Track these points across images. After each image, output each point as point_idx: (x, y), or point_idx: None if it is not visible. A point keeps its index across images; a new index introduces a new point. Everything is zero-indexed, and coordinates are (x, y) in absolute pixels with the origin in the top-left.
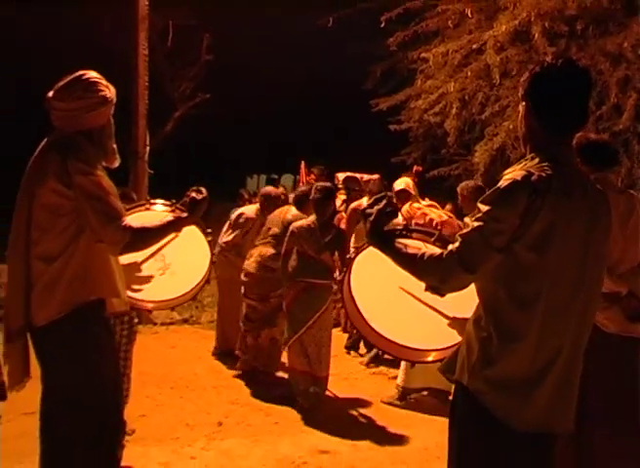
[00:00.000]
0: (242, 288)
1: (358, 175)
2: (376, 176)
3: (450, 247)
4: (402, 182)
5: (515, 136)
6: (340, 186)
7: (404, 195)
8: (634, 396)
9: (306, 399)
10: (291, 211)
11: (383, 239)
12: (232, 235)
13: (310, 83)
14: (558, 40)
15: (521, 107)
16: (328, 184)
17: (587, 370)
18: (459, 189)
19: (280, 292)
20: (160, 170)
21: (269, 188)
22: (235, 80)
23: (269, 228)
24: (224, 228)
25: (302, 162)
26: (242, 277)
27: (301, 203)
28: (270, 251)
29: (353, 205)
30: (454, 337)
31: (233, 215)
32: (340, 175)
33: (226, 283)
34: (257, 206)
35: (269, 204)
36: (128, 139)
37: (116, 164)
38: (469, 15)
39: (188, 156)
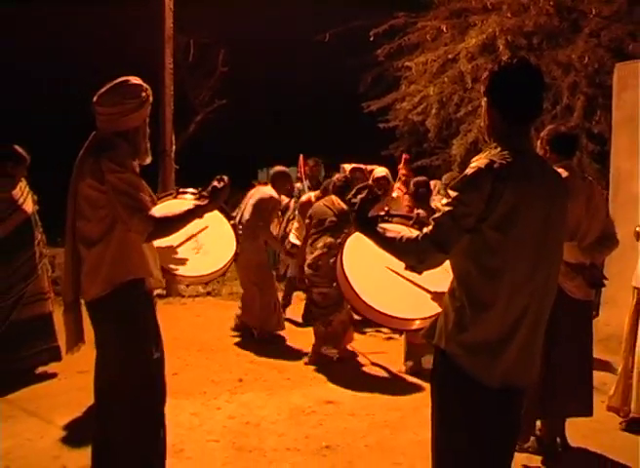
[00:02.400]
0: (306, 281)
1: (363, 166)
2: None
3: (424, 230)
4: (382, 171)
5: None
6: (348, 176)
7: (384, 182)
8: (589, 342)
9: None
10: (339, 200)
11: (367, 224)
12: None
13: (312, 89)
14: (519, 51)
15: (484, 102)
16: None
17: (556, 327)
18: (443, 179)
19: None
20: (184, 165)
21: (279, 167)
22: (247, 88)
23: (324, 219)
24: (239, 212)
25: (301, 155)
26: (307, 270)
27: (342, 193)
28: (331, 239)
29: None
30: (435, 308)
31: (247, 197)
32: (347, 166)
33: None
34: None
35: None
36: (157, 140)
37: (148, 161)
38: (445, 30)
39: (208, 153)
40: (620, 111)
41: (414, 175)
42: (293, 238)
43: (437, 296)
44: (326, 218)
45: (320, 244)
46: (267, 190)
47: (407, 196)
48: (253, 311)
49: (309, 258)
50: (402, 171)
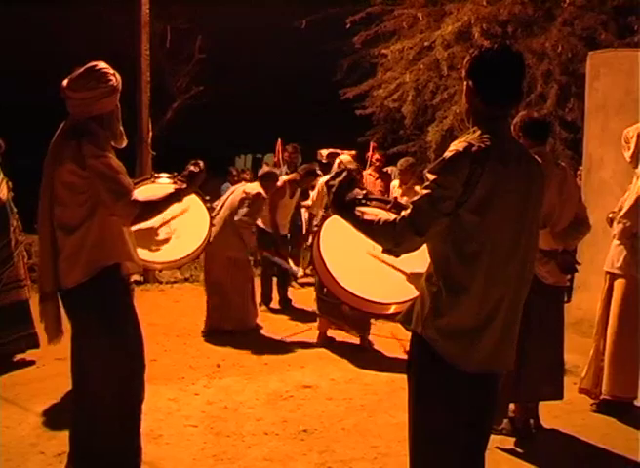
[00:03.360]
0: None
1: (340, 151)
2: (353, 152)
3: (402, 212)
4: (347, 157)
5: (461, 119)
6: (325, 161)
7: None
8: (560, 327)
9: None
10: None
11: (344, 208)
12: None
13: (289, 75)
14: (494, 39)
15: (464, 86)
16: None
17: (529, 312)
18: (398, 165)
19: None
20: (161, 152)
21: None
22: (224, 74)
23: None
24: (219, 203)
25: (279, 140)
26: None
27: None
28: None
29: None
30: (411, 292)
31: (229, 192)
32: (324, 152)
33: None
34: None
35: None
36: (134, 127)
37: (124, 144)
38: (421, 18)
39: (185, 140)
40: (593, 99)
41: (387, 160)
42: (260, 223)
43: (413, 277)
44: None
45: None
46: (255, 187)
47: (379, 181)
48: (229, 313)
49: None
50: (375, 156)
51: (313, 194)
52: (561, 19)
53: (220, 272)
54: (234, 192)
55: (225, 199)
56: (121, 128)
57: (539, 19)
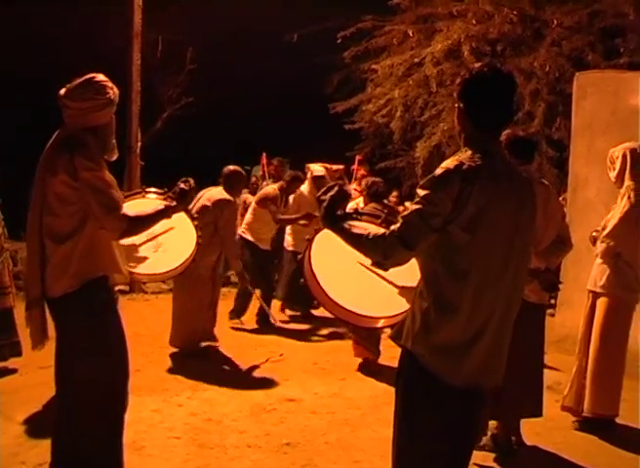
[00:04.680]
0: None
1: (328, 166)
2: (341, 167)
3: (392, 227)
4: (320, 170)
5: (450, 135)
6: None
7: (320, 180)
8: (541, 345)
9: None
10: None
11: (335, 222)
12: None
13: (279, 88)
14: (483, 58)
15: (456, 109)
16: None
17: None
18: (363, 184)
19: None
20: (150, 162)
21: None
22: (214, 86)
23: None
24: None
25: (264, 154)
26: None
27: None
28: None
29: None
30: (400, 306)
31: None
32: (313, 166)
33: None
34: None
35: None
36: (123, 136)
37: (114, 157)
38: (411, 34)
39: (174, 151)
40: (579, 119)
41: (373, 174)
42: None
43: (404, 291)
44: None
45: None
46: (220, 192)
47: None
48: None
49: None
50: (360, 171)
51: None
52: (549, 40)
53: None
54: (200, 199)
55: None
56: (114, 141)
57: (527, 38)
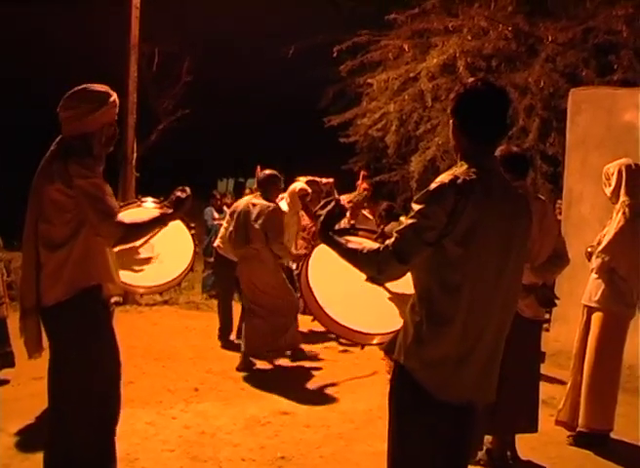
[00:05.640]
0: None
1: (318, 179)
2: (331, 180)
3: (387, 241)
4: (301, 185)
5: (444, 150)
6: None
7: (307, 196)
8: (536, 360)
9: None
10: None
11: (331, 237)
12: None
13: (275, 101)
14: (478, 73)
15: (450, 123)
16: None
17: (505, 344)
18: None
19: None
20: (145, 173)
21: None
22: (210, 98)
23: None
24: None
25: (258, 167)
26: None
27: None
28: None
29: None
30: (396, 324)
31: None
32: (303, 179)
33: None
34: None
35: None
36: (119, 147)
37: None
38: (406, 49)
39: (169, 162)
40: (574, 134)
41: (373, 189)
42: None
43: (395, 297)
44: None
45: None
46: (270, 203)
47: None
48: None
49: None
50: (363, 185)
51: None
52: (544, 56)
53: (260, 298)
54: (247, 212)
55: (234, 221)
56: (103, 152)
57: (522, 54)
